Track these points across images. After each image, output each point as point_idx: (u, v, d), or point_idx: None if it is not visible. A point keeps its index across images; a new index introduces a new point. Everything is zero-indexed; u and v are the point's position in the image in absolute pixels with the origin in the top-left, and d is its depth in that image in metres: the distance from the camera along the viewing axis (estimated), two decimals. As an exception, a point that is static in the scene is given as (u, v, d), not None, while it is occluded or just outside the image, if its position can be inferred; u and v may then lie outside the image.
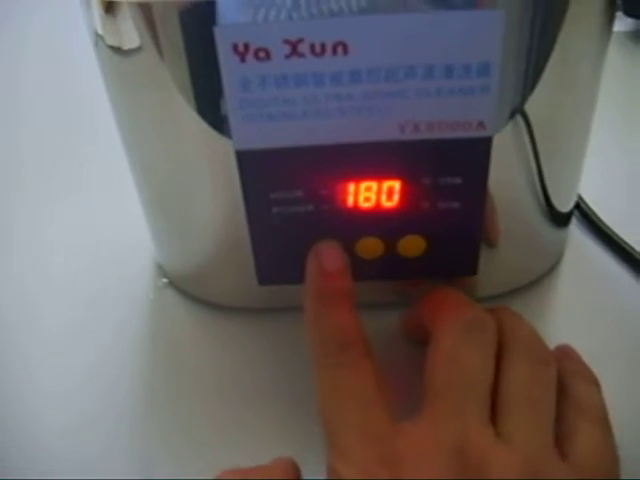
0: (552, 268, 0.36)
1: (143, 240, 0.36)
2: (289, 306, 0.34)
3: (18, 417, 0.33)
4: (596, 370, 0.31)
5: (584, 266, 0.36)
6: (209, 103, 0.28)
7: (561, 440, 0.26)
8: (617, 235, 0.37)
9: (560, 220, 0.35)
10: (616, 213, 0.38)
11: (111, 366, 0.34)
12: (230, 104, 0.27)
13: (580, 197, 0.38)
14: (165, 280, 0.37)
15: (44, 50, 0.59)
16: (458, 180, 0.30)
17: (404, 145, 0.29)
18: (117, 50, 0.28)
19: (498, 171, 0.30)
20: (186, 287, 0.36)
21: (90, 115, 0.47)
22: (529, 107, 0.29)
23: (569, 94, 0.30)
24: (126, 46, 0.27)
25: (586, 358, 0.31)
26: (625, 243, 0.37)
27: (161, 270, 0.38)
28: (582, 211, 0.38)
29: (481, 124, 0.28)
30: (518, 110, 0.28)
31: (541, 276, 0.36)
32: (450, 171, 0.30)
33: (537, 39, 0.27)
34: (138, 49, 0.27)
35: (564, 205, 0.34)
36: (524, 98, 0.28)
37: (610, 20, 0.29)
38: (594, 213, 0.38)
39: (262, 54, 0.26)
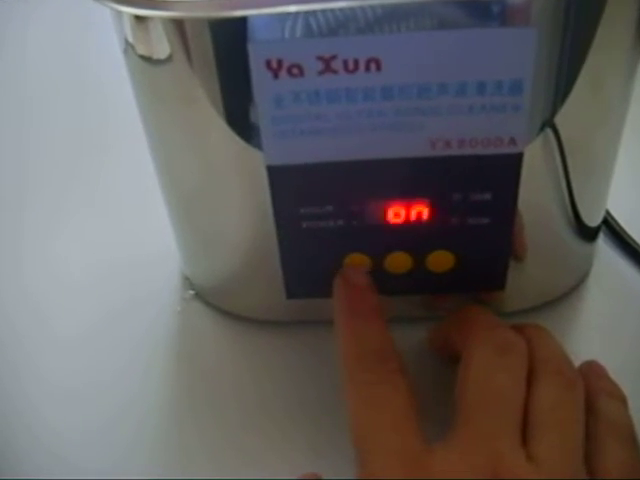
0: (579, 283, 0.36)
1: (170, 251, 0.37)
2: (316, 319, 0.34)
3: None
4: (623, 386, 0.31)
5: (611, 281, 0.36)
6: (240, 115, 0.28)
7: (589, 457, 0.26)
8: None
9: (588, 235, 0.35)
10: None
11: (136, 378, 0.34)
12: (262, 120, 0.27)
13: (607, 212, 0.38)
14: (192, 292, 0.37)
15: (59, 58, 0.58)
16: (488, 196, 0.30)
17: (435, 161, 0.29)
18: (147, 59, 0.28)
19: (528, 186, 0.30)
20: (213, 299, 0.36)
21: (117, 122, 0.48)
22: (559, 121, 0.28)
23: (599, 108, 0.30)
24: (156, 56, 0.27)
25: (612, 374, 0.31)
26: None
27: (188, 282, 0.38)
28: (609, 225, 0.38)
29: (512, 140, 0.28)
30: (548, 124, 0.28)
31: (568, 291, 0.36)
32: (480, 187, 0.30)
33: (568, 54, 0.27)
34: (168, 59, 0.27)
35: (593, 219, 0.34)
36: (554, 112, 0.28)
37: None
38: (621, 228, 0.38)
39: (295, 70, 0.26)
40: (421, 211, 0.30)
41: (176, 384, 0.34)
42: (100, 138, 0.49)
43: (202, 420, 0.32)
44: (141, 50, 0.28)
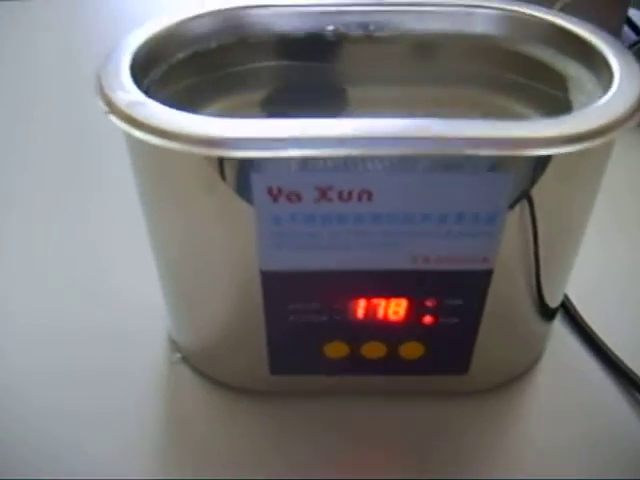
0: (534, 363, 0.39)
1: (159, 312, 0.39)
2: (300, 391, 0.37)
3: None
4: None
5: (562, 362, 0.40)
6: (238, 222, 0.30)
7: None
8: (593, 330, 0.40)
9: (548, 315, 0.38)
10: (591, 307, 0.42)
11: (120, 439, 0.36)
12: (260, 234, 0.30)
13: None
14: (179, 355, 0.39)
15: (55, 95, 0.60)
16: (459, 301, 0.33)
17: (414, 273, 0.31)
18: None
19: (497, 289, 0.32)
20: (199, 365, 0.39)
21: (107, 180, 0.50)
22: (529, 244, 0.32)
23: (566, 228, 0.33)
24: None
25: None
26: (603, 343, 0.40)
27: (175, 345, 0.40)
28: (564, 306, 0.41)
29: (485, 259, 0.31)
30: (518, 246, 0.31)
31: (524, 371, 0.39)
32: (453, 294, 0.33)
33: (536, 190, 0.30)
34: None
35: (554, 301, 0.37)
36: (524, 238, 0.31)
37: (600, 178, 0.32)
38: (574, 307, 0.41)
39: (294, 197, 0.29)
40: (397, 311, 0.33)
41: (157, 445, 0.36)
42: (90, 197, 0.51)
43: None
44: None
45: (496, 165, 0.28)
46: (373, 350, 0.35)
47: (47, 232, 0.49)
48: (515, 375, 0.39)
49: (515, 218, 0.30)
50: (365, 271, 0.31)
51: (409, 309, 0.33)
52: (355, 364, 0.35)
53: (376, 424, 0.37)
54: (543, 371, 0.39)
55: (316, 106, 0.36)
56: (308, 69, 0.37)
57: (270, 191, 0.28)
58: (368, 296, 0.33)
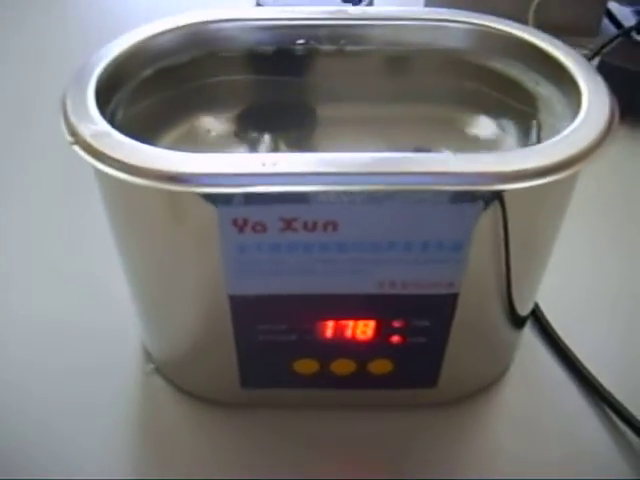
0: (502, 374, 0.40)
1: (133, 321, 0.39)
2: (271, 404, 0.38)
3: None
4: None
5: (530, 372, 0.40)
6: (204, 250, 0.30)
7: None
8: (562, 340, 0.41)
9: (518, 324, 0.38)
10: (563, 319, 0.42)
11: (93, 448, 0.36)
12: (226, 262, 0.30)
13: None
14: (152, 366, 0.40)
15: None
16: (426, 322, 0.33)
17: (380, 297, 0.32)
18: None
19: (464, 311, 0.33)
20: (171, 376, 0.39)
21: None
22: (495, 271, 0.32)
23: (531, 253, 0.33)
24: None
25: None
26: (571, 352, 0.40)
27: (149, 355, 0.40)
28: (535, 316, 0.42)
29: (451, 284, 0.31)
30: (484, 271, 0.32)
31: (492, 382, 0.40)
32: (420, 316, 0.33)
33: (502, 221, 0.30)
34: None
35: (524, 310, 0.37)
36: (491, 265, 0.32)
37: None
38: (545, 318, 0.42)
39: (259, 227, 0.29)
40: (365, 331, 0.34)
41: (130, 454, 0.37)
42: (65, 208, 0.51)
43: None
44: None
45: (461, 196, 0.28)
46: (342, 367, 0.35)
47: (45, 230, 0.50)
48: (484, 385, 0.39)
49: (481, 244, 0.30)
50: (332, 295, 0.32)
51: (377, 329, 0.33)
52: (325, 379, 0.36)
53: (346, 436, 0.37)
54: (511, 381, 0.40)
55: (286, 123, 0.36)
56: (278, 84, 0.36)
57: (235, 222, 0.28)
58: (335, 318, 0.33)
